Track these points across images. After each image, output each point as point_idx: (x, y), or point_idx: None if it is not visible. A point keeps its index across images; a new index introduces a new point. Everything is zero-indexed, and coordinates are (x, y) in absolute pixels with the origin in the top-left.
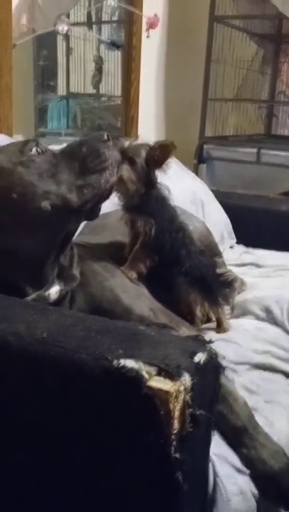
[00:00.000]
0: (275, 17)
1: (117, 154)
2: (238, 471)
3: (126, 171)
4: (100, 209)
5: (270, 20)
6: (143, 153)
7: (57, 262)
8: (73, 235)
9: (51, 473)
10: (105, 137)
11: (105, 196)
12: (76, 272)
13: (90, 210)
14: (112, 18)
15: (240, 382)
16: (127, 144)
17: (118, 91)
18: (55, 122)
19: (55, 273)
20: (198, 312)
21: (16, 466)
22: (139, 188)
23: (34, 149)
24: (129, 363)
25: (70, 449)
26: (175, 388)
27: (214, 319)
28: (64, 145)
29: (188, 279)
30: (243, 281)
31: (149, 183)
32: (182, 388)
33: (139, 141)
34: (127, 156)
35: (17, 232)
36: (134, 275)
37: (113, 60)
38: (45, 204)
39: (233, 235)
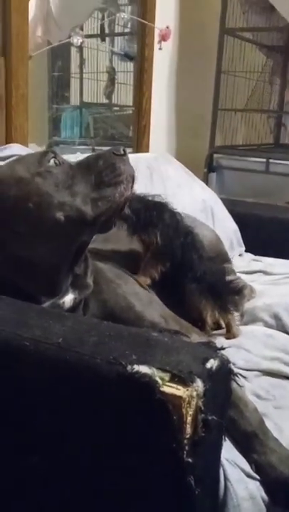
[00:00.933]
0: (284, 29)
1: (131, 169)
2: (249, 475)
3: None
4: (114, 222)
5: (279, 32)
6: None
7: (71, 271)
8: (87, 245)
9: (65, 476)
10: (122, 151)
11: (119, 210)
12: (90, 280)
13: (104, 223)
14: (125, 30)
15: (250, 387)
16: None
17: (130, 101)
18: (68, 131)
19: (69, 282)
20: (209, 318)
21: (31, 468)
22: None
23: (52, 160)
24: (143, 369)
25: (84, 452)
26: (188, 394)
27: (224, 325)
28: (77, 154)
29: (200, 285)
30: (253, 289)
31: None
32: (195, 394)
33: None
34: None
35: (32, 242)
36: (147, 281)
37: (125, 71)
38: (60, 215)
39: (242, 243)
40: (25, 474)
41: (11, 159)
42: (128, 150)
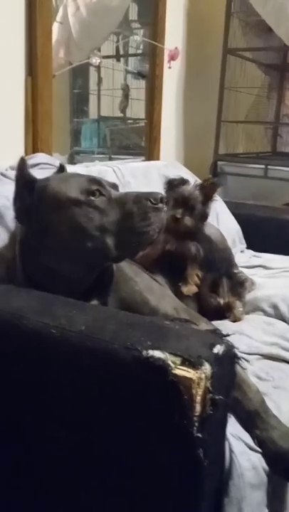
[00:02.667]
0: (280, 49)
1: (163, 218)
2: (251, 448)
3: (188, 221)
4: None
5: (276, 52)
6: (199, 196)
7: (98, 282)
8: (113, 265)
9: (88, 450)
10: (158, 200)
11: (144, 248)
12: (112, 285)
13: (130, 255)
14: (138, 51)
15: (252, 370)
16: (187, 193)
17: (142, 114)
18: (87, 142)
19: (94, 291)
20: (222, 301)
21: (57, 442)
22: (198, 227)
23: (95, 190)
24: (157, 354)
25: (104, 428)
26: (197, 376)
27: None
28: (96, 162)
29: (216, 273)
30: (253, 281)
31: (204, 217)
32: (203, 376)
33: (191, 181)
34: (189, 205)
35: (59, 258)
36: (194, 289)
37: (138, 88)
38: (87, 246)
39: (243, 241)
40: (53, 448)
41: (38, 167)
42: (141, 158)
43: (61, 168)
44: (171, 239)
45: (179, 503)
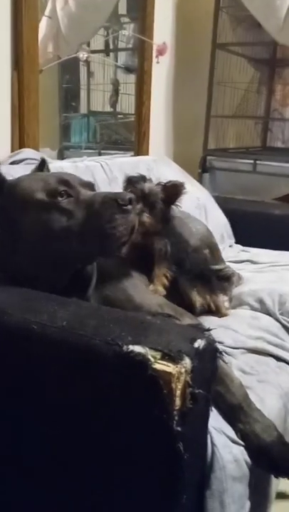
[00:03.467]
0: (270, 44)
1: (132, 219)
2: (233, 441)
3: (147, 218)
4: (117, 249)
5: (265, 46)
6: (160, 195)
7: (75, 281)
8: (91, 263)
9: (70, 444)
10: (127, 201)
11: (119, 251)
12: (94, 279)
13: (104, 256)
14: (127, 46)
15: (236, 364)
16: (147, 189)
17: (132, 109)
18: (77, 137)
19: (72, 290)
20: (198, 302)
21: (40, 437)
22: (158, 227)
23: (63, 192)
24: (137, 348)
25: (85, 422)
26: (177, 370)
27: (214, 308)
28: (84, 157)
29: (189, 275)
30: (240, 276)
31: (166, 219)
32: (183, 370)
33: (154, 180)
34: (149, 201)
35: (29, 256)
36: (163, 291)
37: (128, 83)
38: (55, 247)
39: (232, 236)
40: (35, 443)
41: (24, 162)
42: (130, 153)
43: (42, 163)
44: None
45: (160, 496)
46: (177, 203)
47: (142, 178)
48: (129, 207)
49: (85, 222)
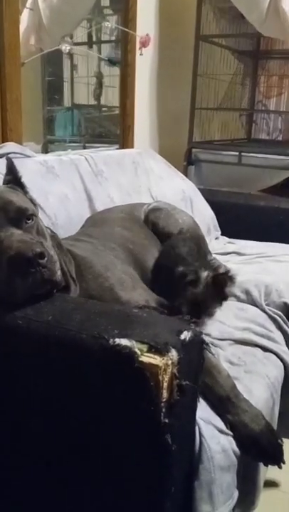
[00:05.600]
0: (254, 35)
1: (42, 275)
2: (221, 432)
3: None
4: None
5: (249, 38)
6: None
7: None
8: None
9: (59, 438)
10: (31, 263)
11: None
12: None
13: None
14: (111, 38)
15: (224, 355)
16: (199, 296)
17: (116, 102)
18: (61, 130)
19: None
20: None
21: (29, 432)
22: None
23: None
24: (123, 342)
25: (73, 416)
26: (163, 362)
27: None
28: (68, 150)
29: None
30: (227, 268)
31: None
32: (170, 362)
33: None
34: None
35: None
36: None
37: (112, 75)
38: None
39: (218, 228)
40: (25, 438)
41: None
42: (115, 146)
43: (10, 171)
44: None
45: (148, 487)
46: (227, 294)
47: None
48: (32, 270)
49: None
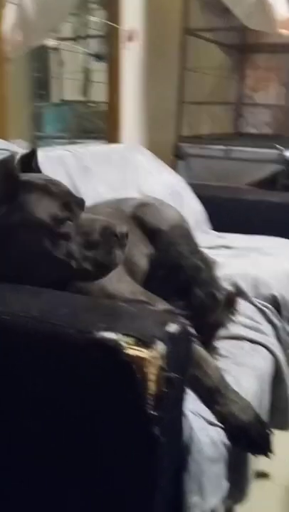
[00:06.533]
0: (240, 29)
1: (124, 252)
2: (210, 423)
3: None
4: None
5: (235, 32)
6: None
7: None
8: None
9: (48, 433)
10: (124, 235)
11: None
12: None
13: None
14: (97, 33)
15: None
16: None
17: (104, 98)
18: (49, 127)
19: None
20: None
21: (18, 428)
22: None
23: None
24: (110, 335)
25: (62, 411)
26: (150, 355)
27: None
28: (57, 147)
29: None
30: (215, 261)
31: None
32: (157, 355)
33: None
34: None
35: (19, 269)
36: None
37: (99, 70)
38: (51, 269)
39: (207, 222)
40: (14, 433)
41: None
42: (103, 142)
43: (32, 153)
44: None
45: (138, 480)
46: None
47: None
48: (125, 241)
49: (82, 249)
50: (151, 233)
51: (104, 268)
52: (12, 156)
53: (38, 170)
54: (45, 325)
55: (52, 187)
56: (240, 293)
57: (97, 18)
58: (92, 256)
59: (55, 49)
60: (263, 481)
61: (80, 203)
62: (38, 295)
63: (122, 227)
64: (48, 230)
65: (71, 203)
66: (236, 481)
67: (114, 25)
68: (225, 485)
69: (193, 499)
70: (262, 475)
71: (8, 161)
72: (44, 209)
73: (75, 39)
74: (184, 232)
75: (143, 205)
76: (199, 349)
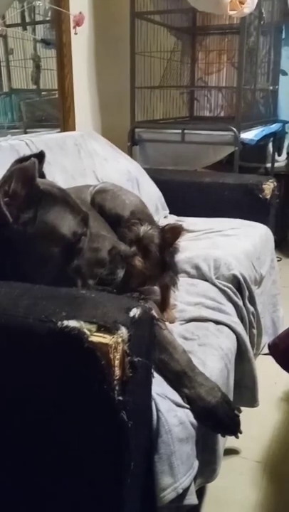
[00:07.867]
0: (189, 11)
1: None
2: (178, 405)
3: (138, 261)
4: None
5: (185, 14)
6: (156, 240)
7: None
8: None
9: (16, 424)
10: (130, 257)
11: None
12: None
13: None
14: (45, 19)
15: (177, 331)
16: (141, 232)
17: (56, 85)
18: (1, 117)
19: None
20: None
21: None
22: (153, 272)
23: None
24: (72, 323)
25: (28, 401)
26: (113, 341)
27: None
28: (8, 136)
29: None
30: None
31: (163, 264)
32: (120, 340)
33: (150, 222)
34: (142, 245)
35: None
36: (173, 317)
37: (49, 57)
38: (60, 278)
39: (166, 207)
40: None
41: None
42: (57, 130)
43: (41, 155)
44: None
45: (108, 465)
46: (175, 248)
47: (137, 222)
48: (129, 262)
49: (89, 267)
50: (113, 219)
51: (104, 285)
52: (33, 162)
53: (42, 174)
54: (5, 317)
55: (70, 200)
56: (179, 227)
57: (41, 3)
58: (98, 274)
59: (2, 36)
60: (232, 456)
61: (88, 217)
62: None
63: (126, 248)
64: (69, 245)
65: (87, 218)
66: (207, 460)
67: (61, 9)
68: (196, 464)
69: (164, 480)
70: (231, 451)
71: (30, 167)
72: (67, 224)
73: (22, 25)
74: (144, 218)
75: (102, 191)
76: (166, 333)
